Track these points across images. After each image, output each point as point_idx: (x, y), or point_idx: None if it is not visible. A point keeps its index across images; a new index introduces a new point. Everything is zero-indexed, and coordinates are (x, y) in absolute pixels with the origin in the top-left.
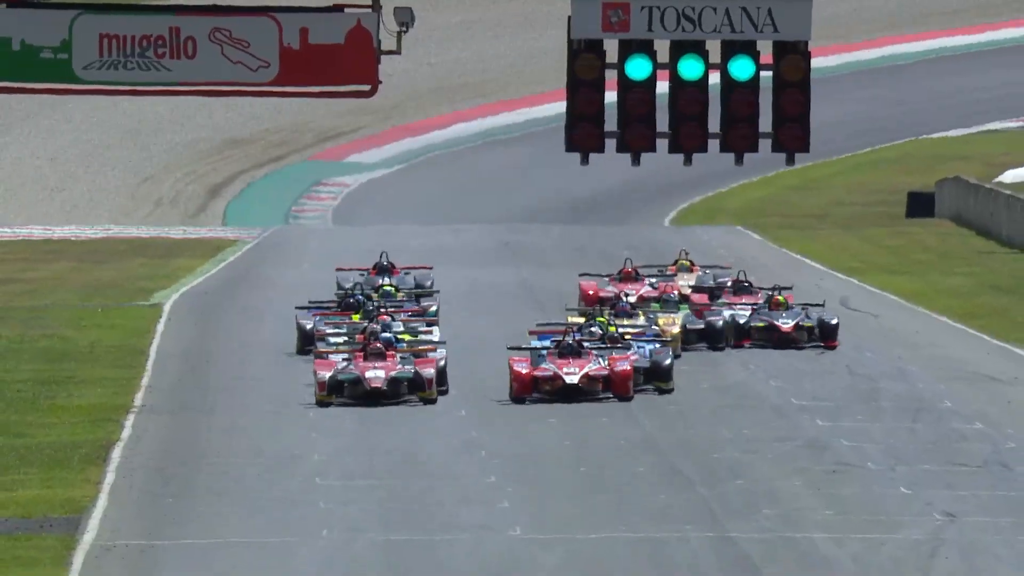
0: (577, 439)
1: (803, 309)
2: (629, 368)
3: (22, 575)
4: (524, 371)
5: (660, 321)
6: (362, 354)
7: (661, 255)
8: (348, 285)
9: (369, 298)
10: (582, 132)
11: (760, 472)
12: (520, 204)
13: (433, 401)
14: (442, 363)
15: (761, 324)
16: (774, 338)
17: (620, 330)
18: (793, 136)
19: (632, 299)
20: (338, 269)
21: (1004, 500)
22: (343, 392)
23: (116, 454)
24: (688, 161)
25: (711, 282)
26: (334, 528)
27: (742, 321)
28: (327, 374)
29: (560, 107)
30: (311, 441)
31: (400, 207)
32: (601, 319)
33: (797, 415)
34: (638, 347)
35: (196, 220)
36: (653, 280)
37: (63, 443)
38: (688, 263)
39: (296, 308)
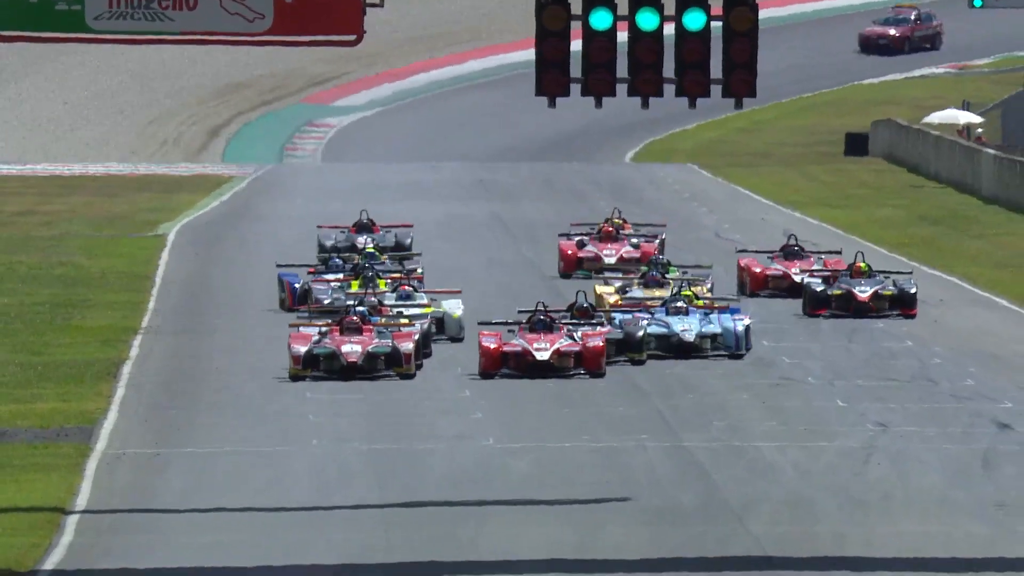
0: None
1: (886, 277)
2: (601, 344)
3: (41, 479)
4: (493, 346)
5: (694, 289)
6: (338, 328)
7: (622, 189)
8: (329, 243)
9: (348, 261)
10: (549, 78)
11: (710, 387)
12: (492, 144)
13: (411, 376)
14: (418, 337)
15: (839, 292)
16: (850, 308)
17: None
18: (741, 82)
19: (613, 260)
20: (319, 227)
21: (930, 412)
22: (318, 366)
23: (125, 371)
24: (645, 105)
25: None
26: (324, 438)
27: (819, 289)
28: (302, 348)
29: (529, 55)
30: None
31: (383, 146)
32: (687, 292)
33: None
34: (704, 316)
35: (197, 158)
36: (635, 240)
37: (77, 361)
38: (620, 222)
39: (278, 266)
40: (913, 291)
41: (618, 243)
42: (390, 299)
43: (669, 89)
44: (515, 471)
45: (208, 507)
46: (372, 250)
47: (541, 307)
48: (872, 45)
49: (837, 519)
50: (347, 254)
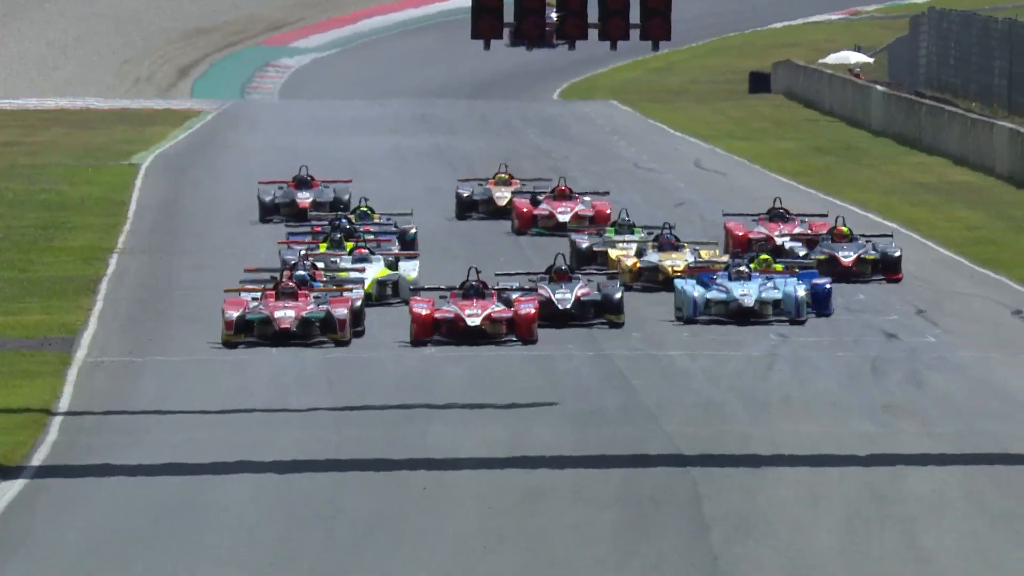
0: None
1: (867, 241)
2: (533, 311)
3: (27, 384)
4: (424, 313)
5: (703, 254)
6: (273, 293)
7: (550, 123)
8: (268, 198)
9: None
10: (485, 22)
11: (630, 305)
12: (432, 83)
13: (346, 343)
14: (358, 303)
15: (822, 257)
16: (835, 272)
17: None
18: (658, 26)
19: (567, 218)
20: (260, 182)
21: (825, 323)
22: (252, 332)
23: (103, 286)
24: (572, 47)
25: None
26: (283, 348)
27: (802, 254)
28: (235, 313)
29: (466, 1)
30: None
31: (335, 84)
32: (765, 256)
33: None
34: (765, 282)
35: (168, 95)
36: (587, 198)
37: (60, 277)
38: (506, 176)
39: (279, 244)
40: (897, 254)
41: (572, 201)
42: (346, 262)
43: (592, 33)
44: (454, 377)
45: (179, 409)
46: (365, 209)
47: (475, 273)
48: None
49: (743, 420)
50: (344, 215)
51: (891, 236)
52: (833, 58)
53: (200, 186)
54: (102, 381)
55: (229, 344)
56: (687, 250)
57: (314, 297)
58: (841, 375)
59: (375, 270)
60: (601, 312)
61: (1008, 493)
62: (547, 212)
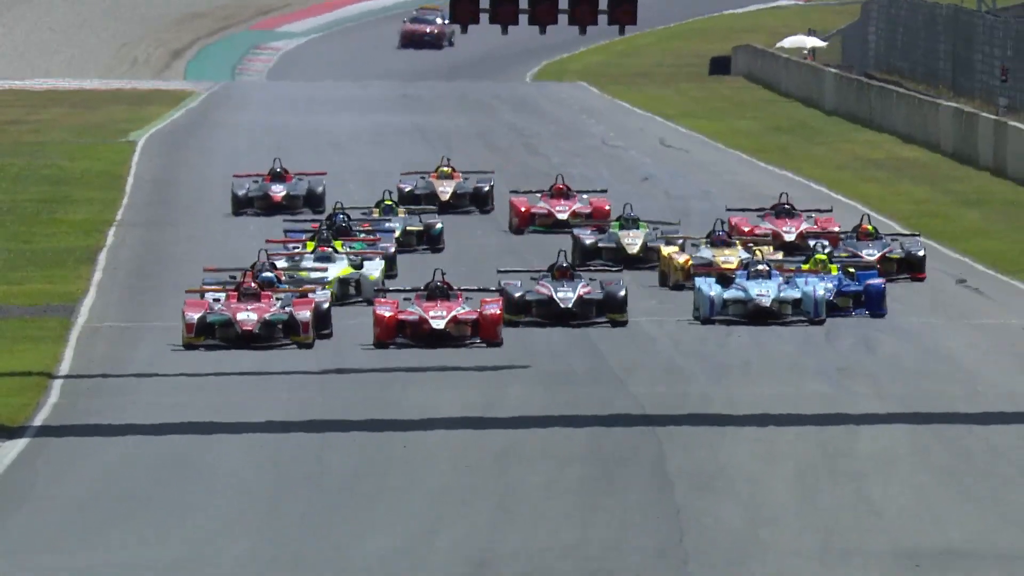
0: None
1: (893, 240)
2: (498, 312)
3: (30, 349)
4: (387, 314)
5: (757, 251)
6: (236, 294)
7: (523, 103)
8: (241, 192)
9: (368, 212)
10: (462, 7)
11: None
12: (413, 65)
13: (309, 345)
14: (325, 305)
15: (844, 255)
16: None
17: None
18: (624, 12)
19: (565, 216)
20: (234, 176)
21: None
22: (214, 334)
23: (102, 257)
24: (543, 31)
25: (472, 188)
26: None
27: (827, 251)
28: (196, 315)
29: None
30: (253, 249)
31: (320, 67)
32: (821, 256)
33: None
34: (785, 282)
35: (162, 76)
36: (584, 196)
37: (61, 248)
38: (449, 170)
39: (267, 242)
40: (921, 253)
41: (570, 199)
42: (309, 260)
43: (562, 18)
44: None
45: (172, 373)
46: (390, 203)
47: (440, 274)
48: None
49: (704, 382)
50: (365, 208)
51: (919, 235)
52: (789, 42)
53: (192, 162)
54: (100, 346)
55: (190, 346)
56: (740, 247)
57: (277, 299)
58: (797, 340)
59: (338, 269)
60: (604, 311)
61: (952, 450)
62: (545, 210)
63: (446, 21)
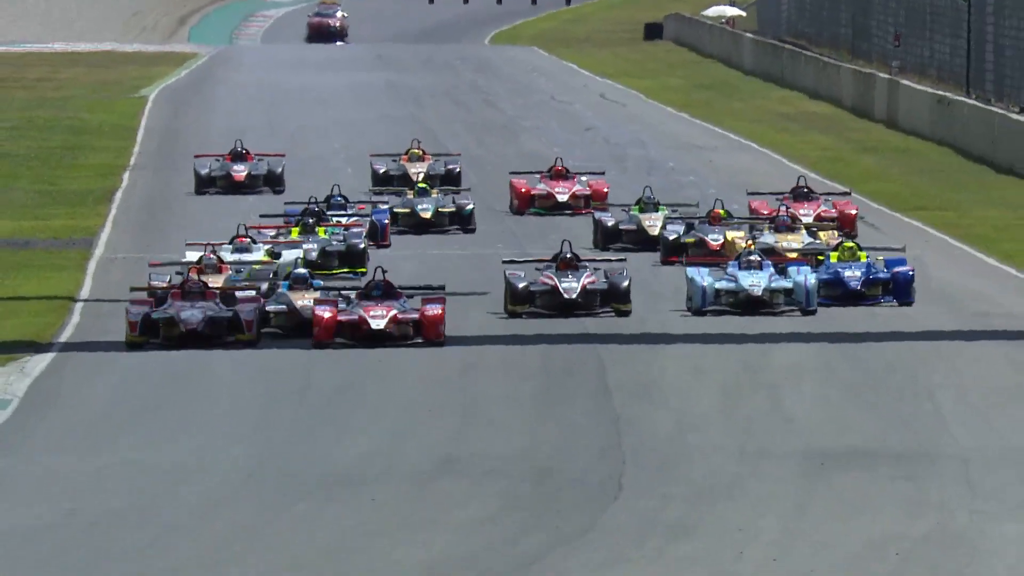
0: None
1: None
2: (440, 311)
3: (55, 276)
4: (327, 315)
5: (822, 235)
6: (179, 291)
7: (484, 64)
8: (204, 171)
9: (399, 191)
10: None
11: (495, 170)
12: (386, 30)
13: (253, 343)
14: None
15: (691, 240)
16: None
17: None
18: None
19: (565, 197)
20: (196, 156)
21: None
22: (158, 333)
23: (117, 197)
24: (500, 2)
25: (442, 169)
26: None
27: (672, 238)
28: (140, 313)
29: None
30: (245, 205)
31: (306, 32)
32: (849, 244)
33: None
34: (775, 271)
35: (170, 40)
36: (584, 178)
37: (82, 190)
38: (420, 152)
39: (246, 227)
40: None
41: (569, 181)
42: (226, 251)
43: None
44: (406, 271)
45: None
46: (424, 186)
47: (380, 272)
48: None
49: (640, 307)
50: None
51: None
52: (712, 11)
53: (195, 115)
54: (115, 274)
55: (133, 345)
56: (803, 231)
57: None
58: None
59: (253, 259)
60: (608, 301)
61: (855, 366)
62: (545, 192)
63: (346, 15)
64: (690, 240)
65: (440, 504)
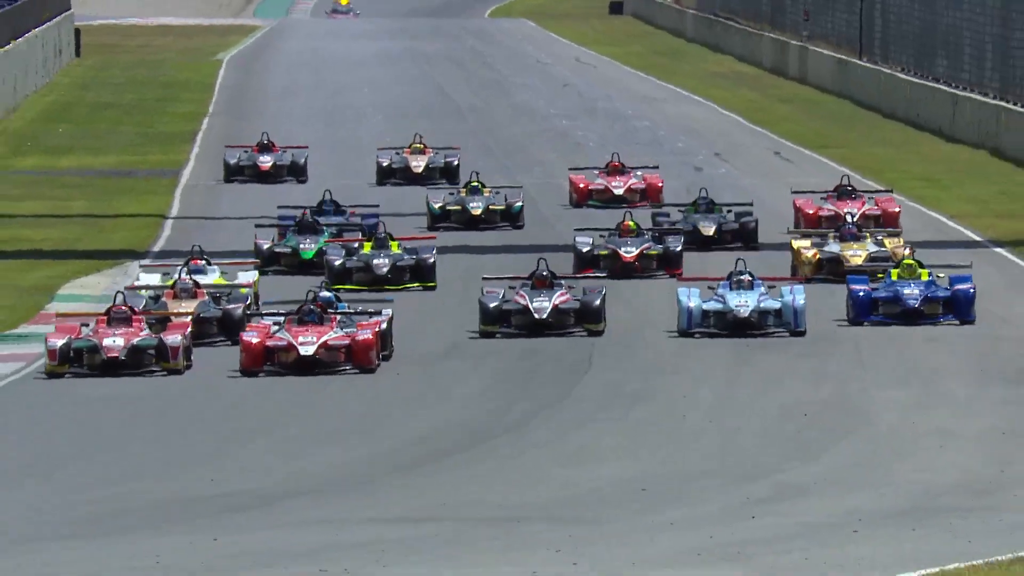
0: None
1: (656, 235)
2: (371, 336)
3: (150, 198)
4: (255, 341)
5: (887, 243)
6: (105, 319)
7: (483, 33)
8: (232, 161)
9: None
10: None
11: (521, 140)
12: (403, 7)
13: (179, 372)
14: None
15: (604, 252)
16: (617, 268)
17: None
18: None
19: (621, 191)
20: (227, 146)
21: (662, 160)
22: (81, 361)
23: (199, 138)
24: None
25: (442, 161)
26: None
27: (585, 250)
28: (60, 342)
29: None
30: (312, 129)
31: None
32: (910, 260)
33: (552, 118)
34: (764, 291)
35: (239, 15)
36: (639, 172)
37: (171, 132)
38: (421, 146)
39: (256, 227)
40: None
41: (625, 175)
42: (183, 273)
43: None
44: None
45: (248, 216)
46: (476, 184)
47: (311, 295)
48: None
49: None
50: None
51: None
52: None
53: (260, 73)
54: (198, 196)
55: (54, 375)
56: (869, 240)
57: (147, 323)
58: (672, 190)
59: (208, 282)
60: (580, 320)
61: (759, 268)
62: (602, 186)
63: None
64: (604, 252)
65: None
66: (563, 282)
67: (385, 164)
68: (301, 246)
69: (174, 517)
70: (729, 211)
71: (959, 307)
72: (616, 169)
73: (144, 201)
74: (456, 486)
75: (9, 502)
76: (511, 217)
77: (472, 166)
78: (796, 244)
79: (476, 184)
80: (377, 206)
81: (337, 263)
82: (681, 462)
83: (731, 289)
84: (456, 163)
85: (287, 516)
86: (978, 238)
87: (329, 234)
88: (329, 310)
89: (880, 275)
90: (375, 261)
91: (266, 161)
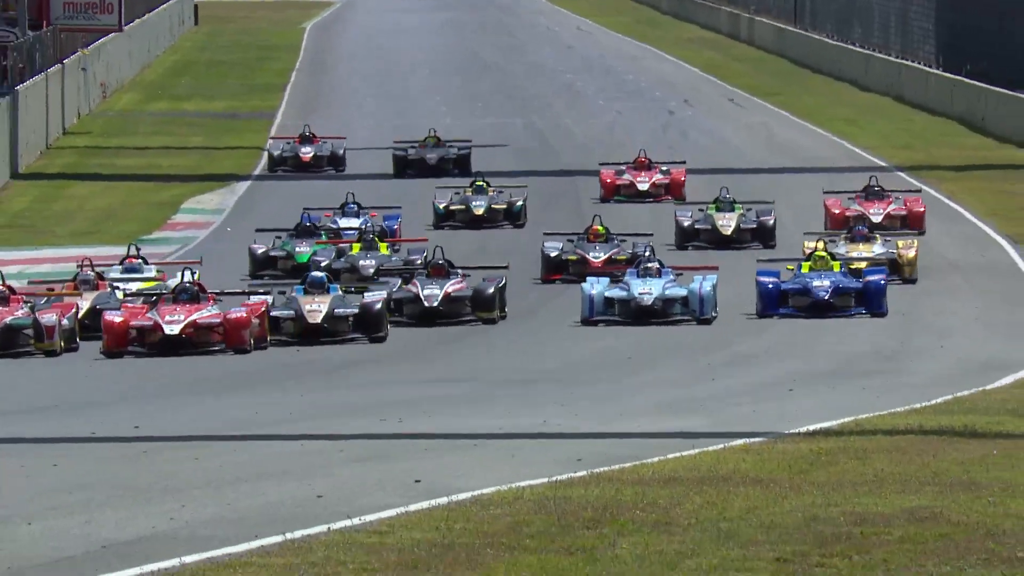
0: None
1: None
2: (244, 315)
3: (250, 134)
4: (118, 320)
5: (899, 243)
6: None
7: (506, 8)
8: (276, 152)
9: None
10: None
11: (535, 90)
12: None
13: (55, 353)
14: (77, 311)
15: (573, 257)
16: (583, 270)
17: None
18: None
19: (646, 187)
20: (271, 138)
21: (643, 106)
22: None
23: (288, 88)
24: None
25: (455, 154)
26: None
27: (553, 255)
28: None
29: None
30: (405, 56)
31: None
32: (821, 253)
33: (559, 74)
34: (672, 279)
35: None
36: (664, 168)
37: (266, 83)
38: (435, 139)
39: (256, 231)
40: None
41: (650, 171)
42: (116, 271)
43: None
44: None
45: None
46: (481, 184)
47: (189, 275)
48: None
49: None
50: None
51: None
52: None
53: (337, 38)
54: (290, 134)
55: None
56: (879, 241)
57: (25, 301)
58: (642, 128)
59: (143, 278)
60: (475, 309)
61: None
62: (628, 182)
63: None
64: (572, 258)
65: None
66: (459, 270)
67: (400, 156)
68: (297, 249)
69: (268, 379)
70: (749, 208)
71: (870, 299)
72: (642, 164)
73: (246, 137)
74: (482, 357)
75: None
76: (512, 216)
77: (497, 112)
78: (806, 245)
79: (481, 183)
80: (399, 208)
81: (323, 264)
82: (660, 339)
83: (637, 276)
84: (468, 153)
85: (354, 380)
86: (883, 163)
87: (326, 236)
88: (259, 292)
89: (790, 267)
90: (361, 263)
91: (307, 152)
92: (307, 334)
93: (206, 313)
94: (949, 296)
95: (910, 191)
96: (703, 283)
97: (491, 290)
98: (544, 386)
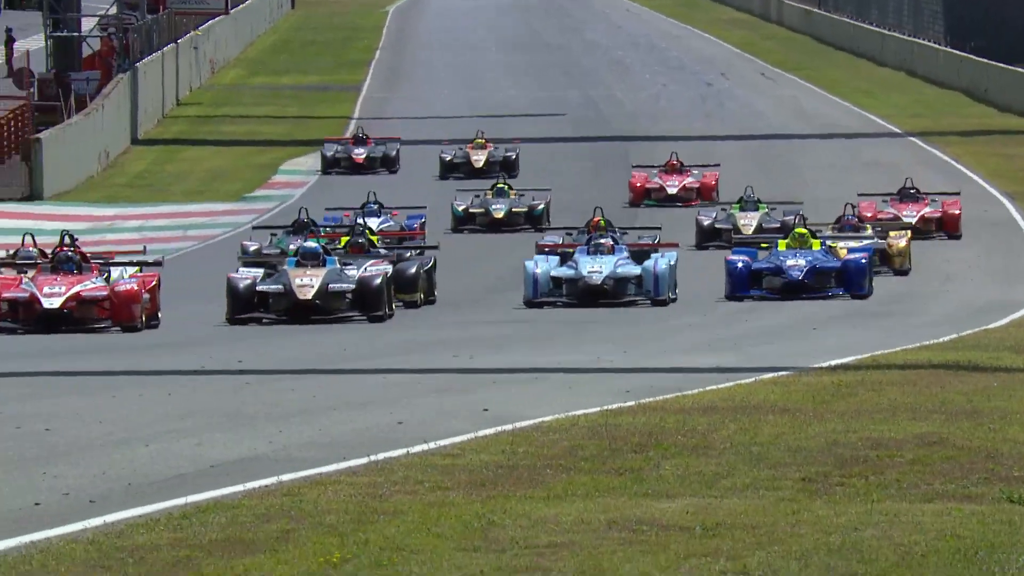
0: None
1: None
2: (134, 288)
3: (340, 103)
4: None
5: (891, 234)
6: None
7: None
8: (330, 153)
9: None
10: None
11: (588, 65)
12: None
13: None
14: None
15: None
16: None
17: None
18: None
19: (675, 190)
20: (325, 140)
21: (684, 79)
22: None
23: (372, 63)
24: None
25: (502, 156)
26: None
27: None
28: None
29: None
30: (435, 73)
31: None
32: (801, 230)
33: (610, 50)
34: (626, 257)
35: None
36: (696, 171)
37: (355, 59)
38: (482, 141)
39: (253, 228)
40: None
41: (681, 175)
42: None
43: None
44: None
45: (410, 116)
46: (502, 186)
47: (68, 241)
48: None
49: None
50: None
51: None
52: None
53: (415, 21)
54: (372, 104)
55: None
56: (869, 230)
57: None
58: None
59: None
60: (398, 290)
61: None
62: (658, 185)
63: None
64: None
65: None
66: (382, 250)
67: (448, 159)
68: (291, 247)
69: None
70: (774, 208)
71: (850, 279)
72: (673, 168)
73: (337, 106)
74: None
75: None
76: (534, 219)
77: (554, 85)
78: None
79: (502, 186)
80: (424, 207)
81: None
82: (700, 289)
83: (587, 254)
84: (515, 157)
85: (431, 320)
86: (897, 130)
87: (323, 231)
88: (159, 262)
89: (765, 245)
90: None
91: (360, 153)
92: (296, 311)
93: (90, 285)
94: (954, 247)
95: (947, 193)
96: (659, 260)
97: (413, 270)
98: (597, 328)
